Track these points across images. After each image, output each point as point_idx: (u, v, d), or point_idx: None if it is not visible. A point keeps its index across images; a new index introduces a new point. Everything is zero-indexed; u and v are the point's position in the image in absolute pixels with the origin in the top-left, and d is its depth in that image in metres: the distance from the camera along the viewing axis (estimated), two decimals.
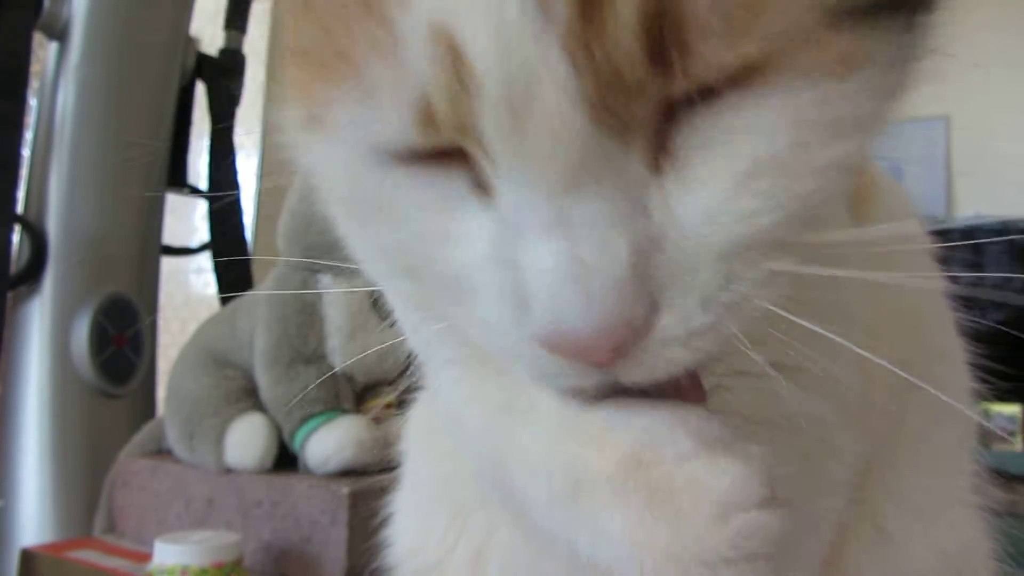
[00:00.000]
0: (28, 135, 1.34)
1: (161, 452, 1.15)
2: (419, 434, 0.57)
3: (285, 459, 1.03)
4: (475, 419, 0.41)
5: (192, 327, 1.21)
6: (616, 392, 0.32)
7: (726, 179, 0.28)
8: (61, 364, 1.30)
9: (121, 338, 1.36)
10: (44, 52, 1.36)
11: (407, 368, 0.50)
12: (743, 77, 0.27)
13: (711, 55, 0.26)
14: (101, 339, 1.32)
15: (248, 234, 1.63)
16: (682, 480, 0.32)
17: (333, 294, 1.00)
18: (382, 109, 0.28)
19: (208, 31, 1.53)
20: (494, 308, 0.30)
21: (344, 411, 1.02)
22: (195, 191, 1.58)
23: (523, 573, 0.49)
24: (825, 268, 0.30)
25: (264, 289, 1.12)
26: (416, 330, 0.45)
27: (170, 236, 1.55)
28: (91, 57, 1.34)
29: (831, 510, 0.44)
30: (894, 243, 0.45)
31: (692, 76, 0.26)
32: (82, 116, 1.34)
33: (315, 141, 0.32)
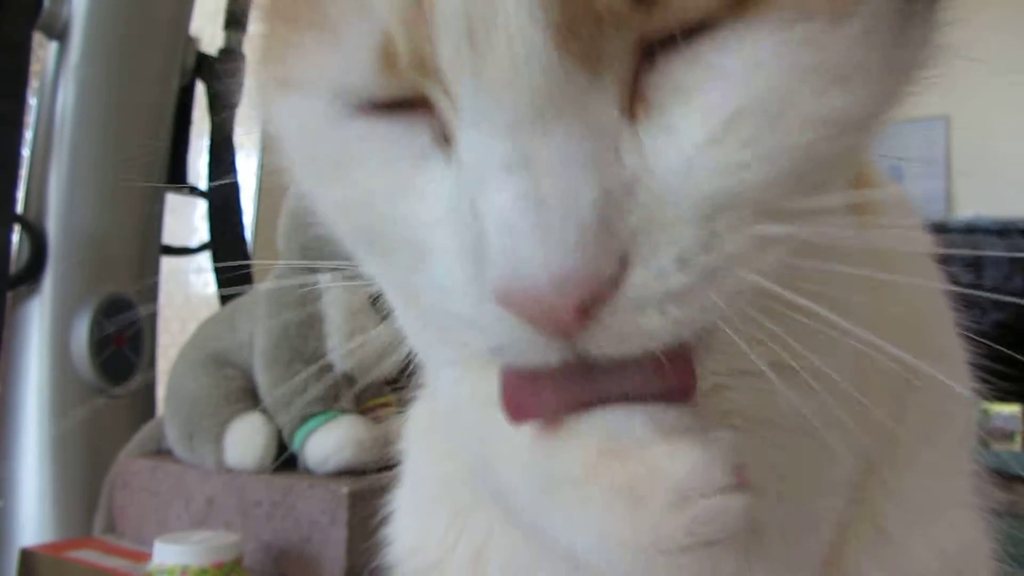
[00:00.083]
0: (28, 135, 1.34)
1: (161, 452, 1.15)
2: (419, 433, 0.57)
3: (285, 459, 1.03)
4: (472, 418, 0.41)
5: (192, 327, 1.20)
6: (588, 382, 0.30)
7: (708, 125, 0.26)
8: (61, 364, 1.30)
9: (121, 338, 1.36)
10: (44, 52, 1.36)
11: (407, 368, 0.50)
12: (728, 13, 0.25)
13: None
14: (100, 339, 1.32)
15: (248, 234, 1.63)
16: (642, 469, 0.31)
17: (333, 294, 1.00)
18: (346, 52, 0.27)
19: (208, 31, 1.53)
20: (452, 267, 0.28)
21: (344, 411, 1.02)
22: (195, 191, 1.58)
23: (523, 572, 0.49)
24: (822, 237, 0.28)
25: (263, 289, 1.12)
26: (417, 331, 0.45)
27: (170, 236, 1.55)
28: (91, 57, 1.34)
29: (831, 510, 0.44)
30: (894, 220, 0.45)
31: (669, 13, 0.25)
32: (82, 116, 1.34)
33: (282, 100, 0.31)
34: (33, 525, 1.25)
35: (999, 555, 0.50)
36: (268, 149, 0.35)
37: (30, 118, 1.34)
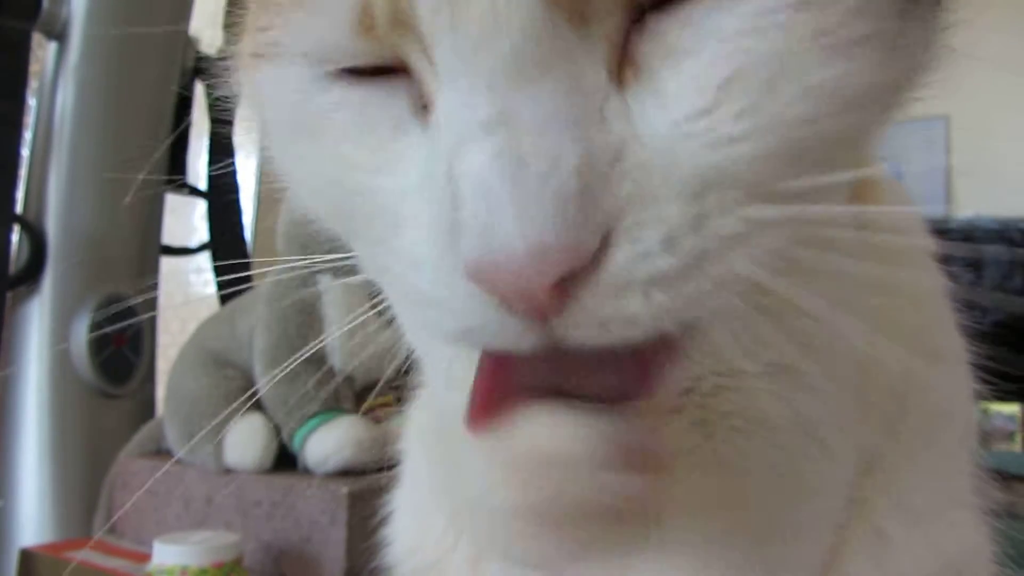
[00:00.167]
0: (27, 135, 1.34)
1: (161, 452, 1.15)
2: (419, 433, 0.57)
3: (284, 459, 1.03)
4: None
5: (192, 327, 1.20)
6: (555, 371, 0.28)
7: (700, 92, 0.24)
8: (60, 364, 1.30)
9: (120, 338, 1.36)
10: (43, 52, 1.36)
11: (407, 367, 0.50)
12: None
13: None
14: (100, 339, 1.32)
15: (248, 234, 1.63)
16: (523, 439, 0.29)
17: (333, 294, 1.00)
18: (322, 16, 0.26)
19: (208, 31, 1.53)
20: (423, 239, 0.26)
21: (343, 411, 1.02)
22: (195, 191, 1.58)
23: (523, 573, 0.48)
24: (821, 224, 0.26)
25: (263, 289, 1.12)
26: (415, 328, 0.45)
27: (170, 236, 1.55)
28: (90, 57, 1.34)
29: (831, 511, 0.44)
30: (895, 217, 0.45)
31: None
32: (81, 116, 1.34)
33: (257, 72, 0.30)
34: (32, 525, 1.25)
35: (998, 557, 0.50)
36: (264, 140, 0.35)
37: (29, 118, 1.34)
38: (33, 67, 1.29)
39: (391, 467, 0.59)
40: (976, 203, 2.88)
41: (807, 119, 0.24)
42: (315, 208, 0.33)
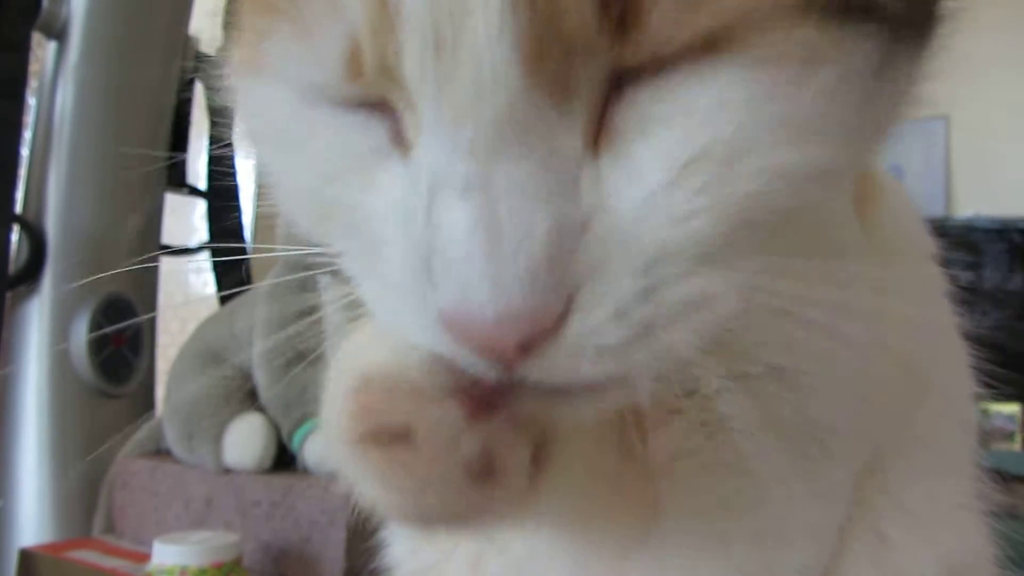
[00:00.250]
0: (27, 135, 1.33)
1: (160, 452, 1.15)
2: None
3: (284, 459, 1.03)
4: None
5: (191, 327, 1.20)
6: None
7: (666, 166, 0.25)
8: (60, 364, 1.30)
9: (120, 338, 1.36)
10: (43, 51, 1.36)
11: None
12: (696, 53, 0.25)
13: (665, 23, 0.24)
14: (100, 339, 1.32)
15: (247, 234, 1.63)
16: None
17: (332, 294, 1.00)
18: (314, 52, 0.27)
19: (208, 31, 1.53)
20: (401, 269, 0.27)
21: None
22: (195, 191, 1.58)
23: (523, 574, 0.48)
24: (776, 296, 0.27)
25: (263, 289, 1.12)
26: None
27: (170, 236, 1.55)
28: (90, 57, 1.34)
29: (833, 513, 0.44)
30: (896, 222, 0.45)
31: (643, 44, 0.24)
32: (81, 116, 1.34)
33: (247, 81, 0.31)
34: (32, 525, 1.25)
35: (999, 559, 0.50)
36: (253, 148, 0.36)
37: (29, 118, 1.34)
38: (33, 67, 1.29)
39: None
40: (976, 203, 2.88)
41: (761, 195, 0.25)
42: (297, 214, 0.34)
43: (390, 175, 0.28)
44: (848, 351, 0.33)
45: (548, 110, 0.25)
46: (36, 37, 1.30)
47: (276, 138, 0.32)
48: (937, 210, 3.00)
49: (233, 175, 1.56)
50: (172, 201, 1.54)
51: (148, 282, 1.45)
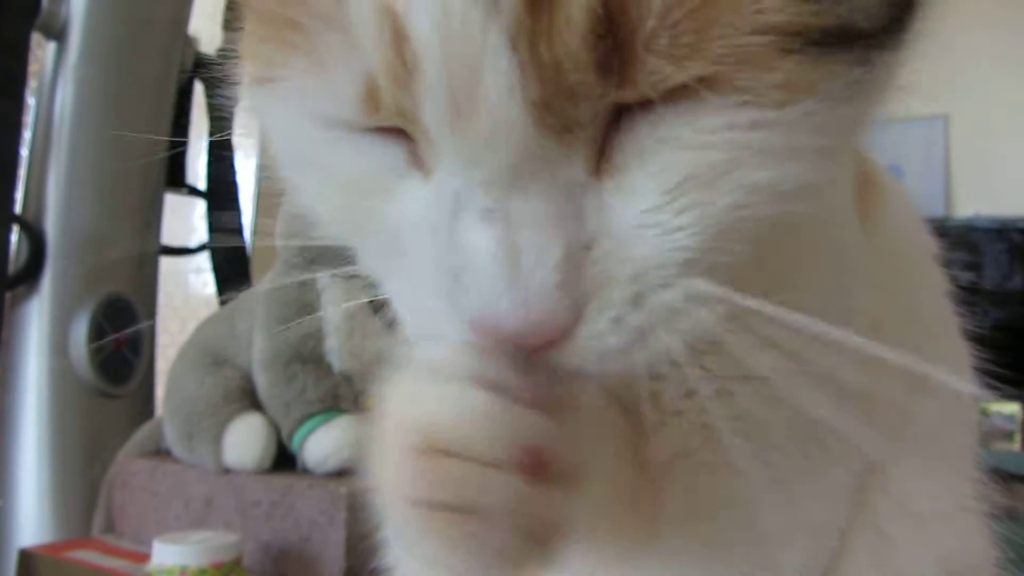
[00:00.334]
0: (26, 135, 1.33)
1: (160, 452, 1.15)
2: None
3: (284, 459, 1.03)
4: None
5: (191, 327, 1.20)
6: None
7: (657, 192, 0.28)
8: (60, 364, 1.30)
9: (120, 338, 1.36)
10: (42, 51, 1.36)
11: None
12: (685, 92, 0.27)
13: (656, 69, 0.26)
14: (100, 339, 1.32)
15: (247, 234, 1.63)
16: (403, 400, 0.33)
17: (331, 293, 1.00)
18: (328, 84, 0.28)
19: (207, 31, 1.53)
20: (429, 278, 0.30)
21: (342, 411, 1.02)
22: (194, 191, 1.58)
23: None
24: (752, 300, 0.29)
25: (262, 289, 1.12)
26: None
27: (169, 236, 1.55)
28: (89, 57, 1.34)
29: (833, 514, 0.44)
30: (896, 222, 0.45)
31: (637, 87, 0.26)
32: (80, 116, 1.34)
33: (264, 98, 0.32)
34: (32, 525, 1.25)
35: (1000, 560, 0.49)
36: (267, 149, 0.36)
37: (29, 118, 1.34)
38: (32, 67, 1.29)
39: None
40: (975, 203, 2.88)
41: (741, 209, 0.28)
42: (319, 218, 0.36)
43: (411, 192, 0.30)
44: (850, 353, 0.33)
45: (554, 149, 0.27)
46: (36, 37, 1.30)
47: (292, 153, 0.34)
48: (937, 210, 3.00)
49: (233, 175, 1.57)
50: (172, 201, 1.54)
51: (148, 282, 1.45)
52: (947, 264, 0.50)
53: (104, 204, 1.37)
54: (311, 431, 1.00)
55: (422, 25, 0.26)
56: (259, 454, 1.01)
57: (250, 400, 1.06)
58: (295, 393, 1.01)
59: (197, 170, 1.61)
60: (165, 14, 1.44)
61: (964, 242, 2.43)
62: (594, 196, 0.29)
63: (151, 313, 1.45)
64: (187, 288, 2.35)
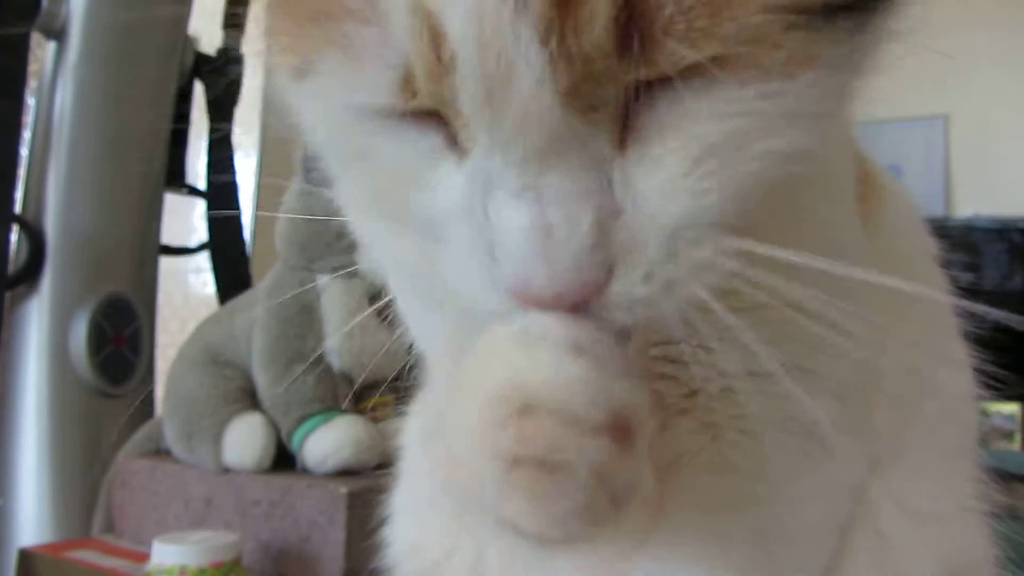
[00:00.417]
0: (26, 135, 1.33)
1: (160, 452, 1.15)
2: (418, 433, 0.57)
3: (283, 459, 1.03)
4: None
5: (191, 327, 1.20)
6: None
7: (680, 161, 0.30)
8: (59, 364, 1.30)
9: (119, 338, 1.36)
10: (42, 51, 1.36)
11: (407, 366, 0.50)
12: (702, 69, 0.29)
13: (674, 51, 0.28)
14: (99, 339, 1.32)
15: (247, 234, 1.63)
16: (506, 368, 0.33)
17: (331, 293, 1.00)
18: (364, 73, 0.30)
19: (207, 31, 1.53)
20: (467, 257, 0.32)
21: (342, 411, 1.02)
22: (194, 191, 1.58)
23: (524, 574, 0.48)
24: (775, 249, 0.31)
25: (262, 289, 1.12)
26: (420, 318, 0.45)
27: (169, 236, 1.55)
28: (89, 56, 1.34)
29: (835, 513, 0.44)
30: (896, 220, 0.45)
31: (656, 67, 0.28)
32: (80, 115, 1.34)
33: (300, 88, 0.34)
34: (31, 525, 1.25)
35: (1000, 560, 0.50)
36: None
37: (28, 118, 1.34)
38: (32, 67, 1.29)
39: (390, 467, 0.59)
40: (975, 203, 2.88)
41: (759, 172, 0.31)
42: (356, 199, 0.38)
43: (447, 174, 0.32)
44: (852, 353, 0.34)
45: (581, 128, 0.29)
46: (36, 37, 1.30)
47: (328, 138, 0.36)
48: (937, 210, 3.00)
49: (233, 175, 1.57)
50: (172, 201, 1.54)
51: (147, 282, 1.46)
52: (947, 264, 0.50)
53: (104, 204, 1.37)
54: (311, 431, 1.00)
55: (456, 24, 0.27)
56: (259, 454, 1.01)
57: (250, 400, 1.06)
58: (295, 393, 1.01)
59: (197, 170, 1.61)
60: (165, 14, 1.44)
61: (964, 242, 2.43)
62: (619, 168, 0.31)
63: (151, 313, 1.45)
64: (187, 288, 2.36)
